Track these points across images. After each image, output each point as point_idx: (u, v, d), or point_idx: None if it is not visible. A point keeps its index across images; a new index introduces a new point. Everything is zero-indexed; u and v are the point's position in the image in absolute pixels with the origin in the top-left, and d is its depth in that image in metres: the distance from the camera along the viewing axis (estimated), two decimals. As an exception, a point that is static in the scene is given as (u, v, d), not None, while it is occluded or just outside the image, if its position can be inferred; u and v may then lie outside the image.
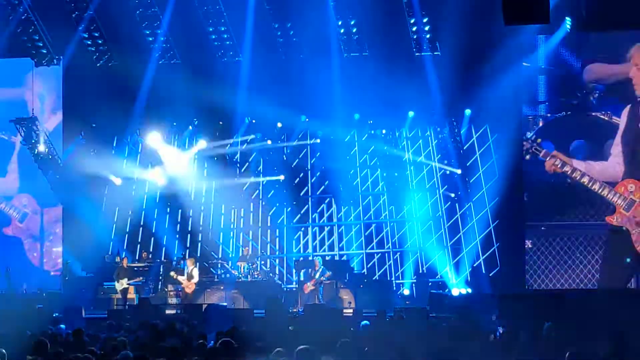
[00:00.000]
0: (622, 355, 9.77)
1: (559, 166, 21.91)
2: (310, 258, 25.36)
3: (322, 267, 23.38)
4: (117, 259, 25.64)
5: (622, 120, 22.35)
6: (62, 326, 15.16)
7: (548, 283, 23.01)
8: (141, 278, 24.58)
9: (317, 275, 23.21)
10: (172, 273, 23.90)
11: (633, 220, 21.80)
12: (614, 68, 22.44)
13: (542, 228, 23.21)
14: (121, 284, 23.66)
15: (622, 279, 21.85)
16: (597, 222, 22.72)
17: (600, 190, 21.80)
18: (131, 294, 23.84)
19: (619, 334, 10.69)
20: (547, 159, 22.14)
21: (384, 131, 25.79)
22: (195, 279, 23.34)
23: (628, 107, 22.36)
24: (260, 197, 27.27)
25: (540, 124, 23.27)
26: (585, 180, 21.98)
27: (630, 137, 22.07)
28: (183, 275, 23.49)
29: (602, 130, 22.57)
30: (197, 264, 24.38)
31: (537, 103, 23.56)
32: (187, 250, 26.04)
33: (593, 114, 22.76)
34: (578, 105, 22.92)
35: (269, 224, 27.18)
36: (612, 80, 22.49)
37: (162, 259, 26.05)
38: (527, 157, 22.09)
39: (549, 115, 23.48)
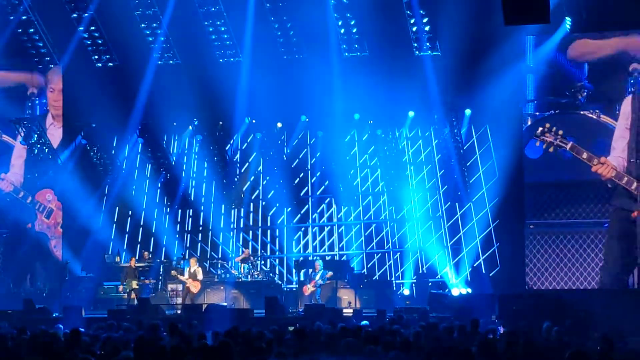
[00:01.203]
0: (612, 355, 9.77)
1: (585, 158, 21.29)
2: (310, 258, 25.37)
3: (322, 270, 23.33)
4: (117, 259, 25.67)
5: (624, 113, 22.06)
6: (60, 326, 15.15)
7: (545, 282, 22.97)
8: (152, 280, 24.63)
9: (317, 278, 23.18)
10: (173, 272, 23.91)
11: None
12: (600, 43, 22.30)
13: (531, 227, 23.17)
14: (130, 285, 23.59)
15: (628, 275, 21.67)
16: (598, 221, 22.69)
17: (628, 185, 21.44)
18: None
19: (608, 335, 10.70)
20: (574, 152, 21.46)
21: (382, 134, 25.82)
22: (200, 277, 23.35)
23: (629, 98, 22.05)
24: (260, 197, 27.29)
25: (529, 122, 23.23)
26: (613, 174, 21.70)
27: (635, 130, 21.74)
28: (184, 275, 23.47)
29: (591, 128, 22.48)
30: (198, 263, 24.38)
31: (526, 102, 23.50)
32: (187, 250, 26.06)
33: (582, 112, 22.69)
34: (567, 104, 22.85)
35: (269, 224, 27.20)
36: (597, 57, 22.33)
37: (162, 259, 26.07)
38: (551, 149, 21.04)
39: (537, 113, 23.39)
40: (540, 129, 20.87)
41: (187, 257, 24.83)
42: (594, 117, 22.46)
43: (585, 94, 22.46)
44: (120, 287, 24.06)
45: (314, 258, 24.99)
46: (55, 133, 26.04)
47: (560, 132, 20.71)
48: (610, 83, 22.34)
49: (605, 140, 22.23)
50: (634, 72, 21.41)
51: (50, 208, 25.57)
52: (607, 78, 22.39)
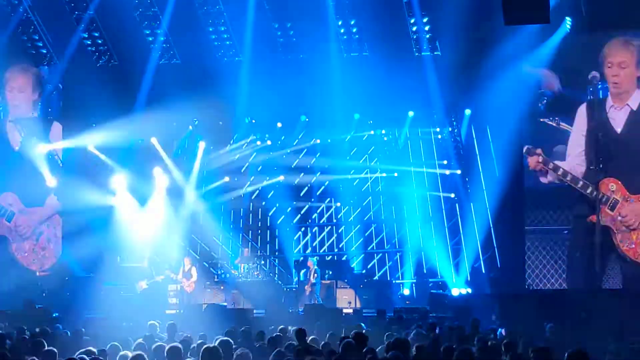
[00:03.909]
0: (624, 354, 9.78)
1: (542, 163, 21.74)
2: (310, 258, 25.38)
3: (315, 267, 23.30)
4: (117, 259, 25.63)
5: (579, 121, 22.21)
6: (59, 325, 15.15)
7: (541, 282, 22.96)
8: (162, 277, 24.56)
9: (311, 277, 23.20)
10: (166, 272, 23.91)
11: (618, 219, 21.64)
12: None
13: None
14: (140, 286, 23.53)
15: (595, 279, 21.63)
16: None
17: (583, 189, 21.64)
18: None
19: (620, 334, 10.71)
20: (531, 155, 21.97)
21: (383, 131, 25.81)
22: (194, 277, 23.30)
23: (584, 106, 22.17)
24: (261, 197, 27.28)
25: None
26: (568, 178, 21.88)
27: (593, 137, 21.90)
28: (178, 273, 23.39)
29: (550, 136, 22.50)
30: (197, 263, 24.35)
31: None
32: (188, 250, 26.06)
33: (541, 120, 22.70)
34: (527, 111, 22.82)
35: (268, 224, 27.19)
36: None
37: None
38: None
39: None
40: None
41: (186, 255, 24.81)
42: (554, 124, 22.49)
43: (545, 101, 22.53)
44: (139, 284, 23.74)
45: (306, 258, 24.80)
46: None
47: None
48: (569, 91, 22.39)
49: (564, 148, 22.36)
50: (593, 80, 21.49)
51: (11, 211, 25.34)
52: (566, 86, 22.44)
